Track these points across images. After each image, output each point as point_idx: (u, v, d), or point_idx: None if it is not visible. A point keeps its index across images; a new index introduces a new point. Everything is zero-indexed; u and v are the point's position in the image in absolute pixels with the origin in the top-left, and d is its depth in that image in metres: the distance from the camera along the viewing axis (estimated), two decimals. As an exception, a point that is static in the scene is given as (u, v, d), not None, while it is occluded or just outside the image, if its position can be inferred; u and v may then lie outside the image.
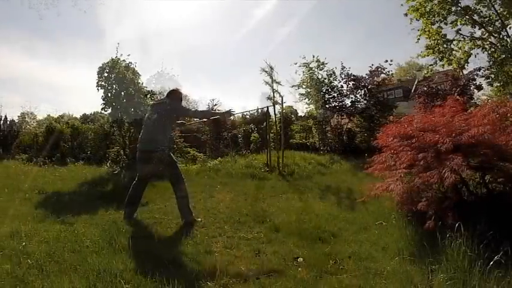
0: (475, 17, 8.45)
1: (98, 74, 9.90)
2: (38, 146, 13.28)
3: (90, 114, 30.47)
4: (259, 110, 14.36)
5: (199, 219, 4.68)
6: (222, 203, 5.80)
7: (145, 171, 4.83)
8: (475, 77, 14.17)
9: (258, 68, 10.89)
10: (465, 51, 8.81)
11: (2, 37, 63.34)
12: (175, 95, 5.09)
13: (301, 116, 21.30)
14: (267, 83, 10.82)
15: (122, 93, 9.82)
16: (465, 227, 2.93)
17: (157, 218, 4.86)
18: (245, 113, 17.13)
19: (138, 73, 10.38)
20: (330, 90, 15.36)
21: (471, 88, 14.28)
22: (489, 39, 8.58)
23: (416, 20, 8.94)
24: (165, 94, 5.33)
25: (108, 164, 10.42)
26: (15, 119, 13.99)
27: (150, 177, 5.10)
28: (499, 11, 8.54)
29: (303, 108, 19.42)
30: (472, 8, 8.33)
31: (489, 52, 9.13)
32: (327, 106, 15.30)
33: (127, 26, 65.89)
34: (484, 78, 13.84)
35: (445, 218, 3.19)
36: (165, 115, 4.74)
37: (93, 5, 53.21)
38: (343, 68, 15.37)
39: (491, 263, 2.59)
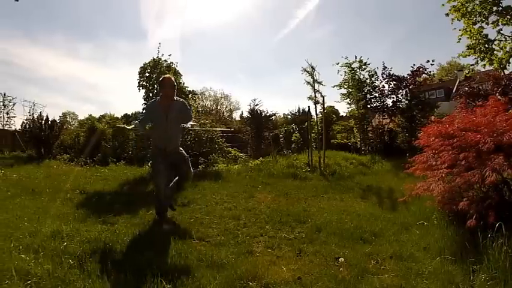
0: (517, 17, 8.15)
1: (139, 74, 10.05)
2: (79, 146, 13.41)
3: (132, 114, 30.24)
4: (301, 110, 14.44)
5: (175, 208, 4.98)
6: (263, 203, 5.86)
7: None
8: (517, 77, 13.50)
9: (300, 68, 11.02)
10: (507, 51, 8.48)
11: (45, 39, 68.04)
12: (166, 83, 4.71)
13: (342, 116, 21.21)
14: (308, 83, 10.95)
15: (163, 93, 9.95)
16: (506, 226, 2.92)
17: (198, 217, 4.85)
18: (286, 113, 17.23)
19: (179, 73, 10.41)
20: (371, 90, 15.39)
21: (513, 88, 13.61)
22: (530, 39, 8.26)
23: (458, 20, 8.73)
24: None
25: (149, 164, 10.02)
26: (57, 119, 14.18)
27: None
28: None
29: (344, 108, 19.42)
30: (513, 8, 8.05)
31: (530, 52, 8.75)
32: (369, 106, 15.31)
33: (168, 25, 67.94)
34: (525, 79, 13.21)
35: (486, 217, 3.17)
36: (180, 115, 4.59)
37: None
38: (384, 68, 15.40)
39: (533, 263, 2.56)
